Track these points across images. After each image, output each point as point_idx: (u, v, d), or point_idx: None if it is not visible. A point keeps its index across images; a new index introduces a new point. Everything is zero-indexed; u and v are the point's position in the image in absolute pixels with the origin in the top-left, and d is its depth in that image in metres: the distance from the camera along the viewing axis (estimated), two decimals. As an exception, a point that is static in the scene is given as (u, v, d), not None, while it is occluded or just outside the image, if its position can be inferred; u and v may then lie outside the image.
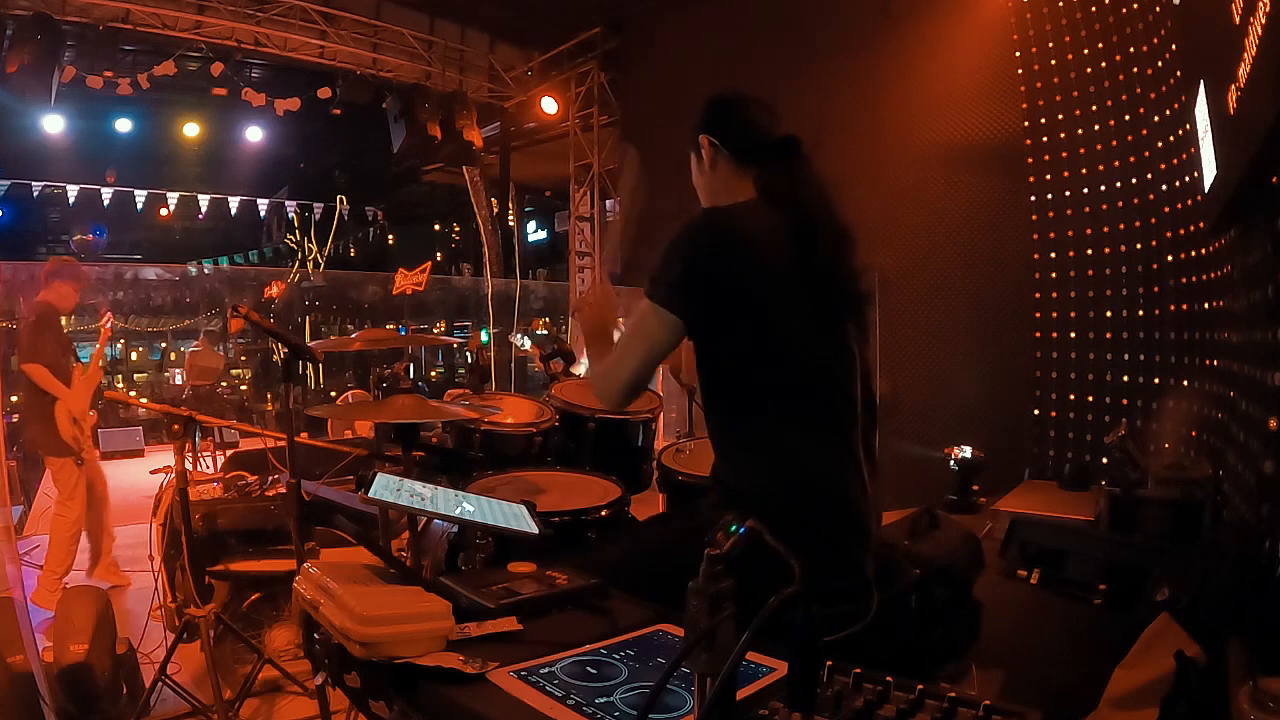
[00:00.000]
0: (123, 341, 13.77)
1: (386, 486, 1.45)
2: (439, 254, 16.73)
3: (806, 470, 1.48)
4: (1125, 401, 4.23)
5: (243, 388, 13.08)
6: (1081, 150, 4.44)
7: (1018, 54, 4.74)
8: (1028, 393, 4.67)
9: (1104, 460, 3.74)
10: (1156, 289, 4.09)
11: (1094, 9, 4.37)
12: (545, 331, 11.31)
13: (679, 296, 1.49)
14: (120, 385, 12.96)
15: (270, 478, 3.41)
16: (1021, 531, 2.91)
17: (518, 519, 1.53)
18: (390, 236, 15.71)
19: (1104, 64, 4.31)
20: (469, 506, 1.50)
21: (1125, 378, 4.25)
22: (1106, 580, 2.54)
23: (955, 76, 4.81)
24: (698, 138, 1.68)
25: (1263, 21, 1.80)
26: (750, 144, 1.64)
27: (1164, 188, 4.01)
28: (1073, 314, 4.50)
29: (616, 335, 1.77)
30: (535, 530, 1.50)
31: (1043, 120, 4.64)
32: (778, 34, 6.12)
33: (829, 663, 0.89)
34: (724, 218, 1.56)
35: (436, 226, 17.28)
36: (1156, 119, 4.02)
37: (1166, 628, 1.72)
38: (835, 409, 1.50)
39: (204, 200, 12.41)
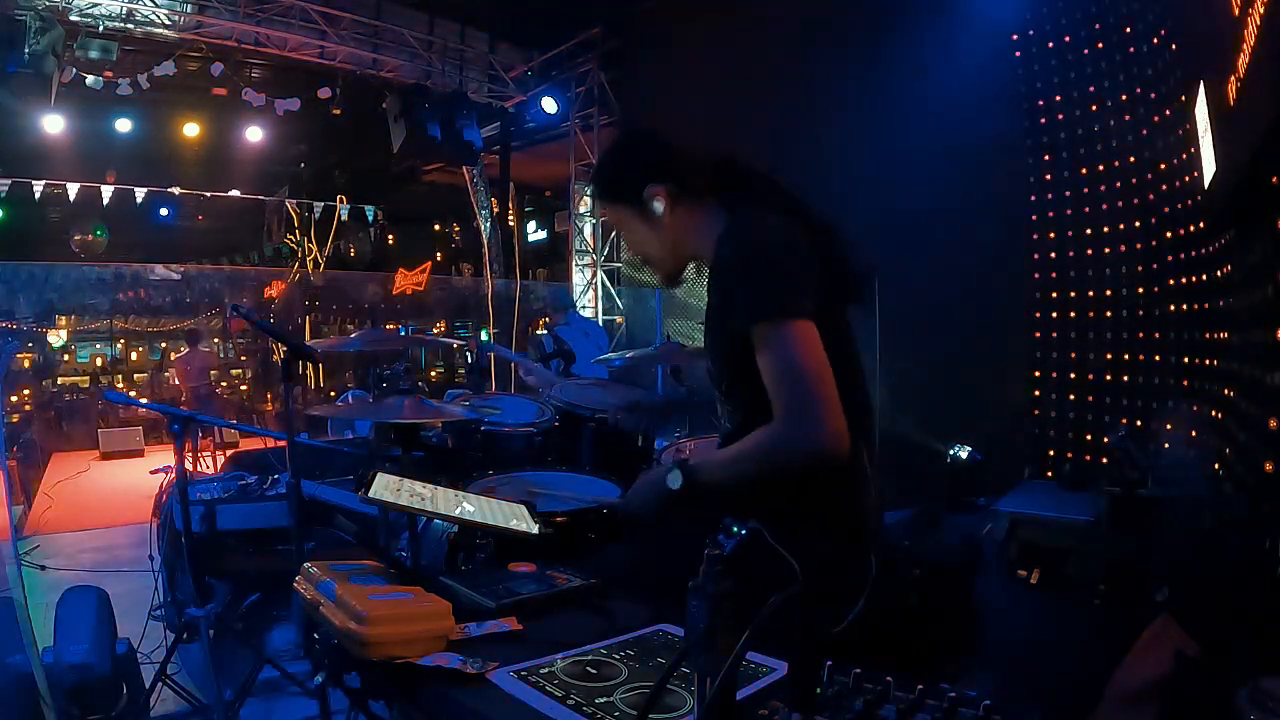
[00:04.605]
0: (123, 341, 13.76)
1: (386, 486, 1.44)
2: (439, 254, 16.69)
3: (825, 470, 1.43)
4: (1125, 401, 4.23)
5: (243, 388, 13.09)
6: (1081, 150, 4.44)
7: (1018, 54, 4.74)
8: (1028, 393, 4.67)
9: (1104, 460, 3.74)
10: (1156, 289, 4.09)
11: (1094, 9, 4.37)
12: (545, 331, 11.28)
13: (802, 300, 1.37)
14: (120, 385, 12.96)
15: (270, 478, 3.41)
16: (1021, 531, 2.92)
17: (518, 519, 1.53)
18: (390, 236, 15.67)
19: (1104, 64, 4.31)
20: (469, 506, 1.50)
21: (1125, 378, 4.25)
22: (1106, 580, 2.54)
23: (956, 76, 4.81)
24: (643, 192, 1.54)
25: (1261, 11, 1.80)
26: (703, 171, 1.57)
27: (1164, 188, 4.01)
28: (1073, 314, 4.50)
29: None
30: (535, 530, 1.50)
31: (1043, 120, 4.64)
32: (779, 33, 6.11)
33: (829, 663, 0.89)
34: (768, 218, 1.46)
35: (436, 226, 17.25)
36: (1156, 119, 4.02)
37: (1166, 628, 1.72)
38: (855, 408, 1.49)
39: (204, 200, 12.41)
